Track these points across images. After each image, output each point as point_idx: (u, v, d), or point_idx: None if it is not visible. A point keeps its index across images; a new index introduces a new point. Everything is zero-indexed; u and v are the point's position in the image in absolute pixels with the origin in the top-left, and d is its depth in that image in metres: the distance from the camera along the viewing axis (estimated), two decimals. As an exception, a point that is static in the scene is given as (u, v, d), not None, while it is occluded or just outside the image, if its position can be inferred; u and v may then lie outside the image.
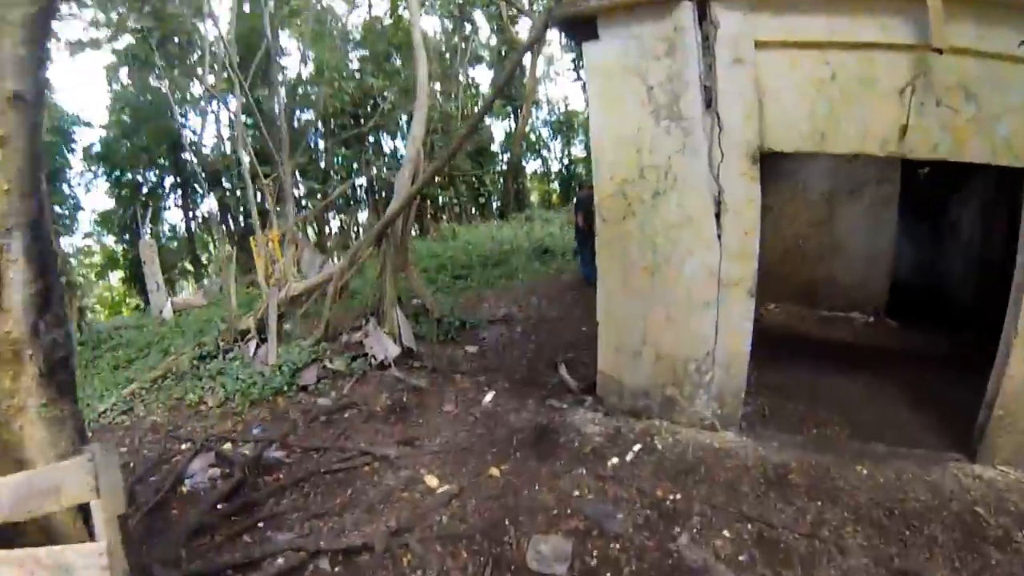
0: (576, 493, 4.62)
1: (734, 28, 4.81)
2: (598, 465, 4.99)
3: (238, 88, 14.50)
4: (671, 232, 5.28)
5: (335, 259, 16.12)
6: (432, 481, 5.04)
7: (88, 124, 24.02)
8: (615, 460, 5.05)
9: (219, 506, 4.95)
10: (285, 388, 7.46)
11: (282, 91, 23.04)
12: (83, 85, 52.18)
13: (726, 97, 4.92)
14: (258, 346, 8.93)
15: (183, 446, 6.41)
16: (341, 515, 4.68)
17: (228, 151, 24.13)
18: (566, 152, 33.96)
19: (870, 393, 6.26)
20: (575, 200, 12.87)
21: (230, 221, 26.70)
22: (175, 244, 28.62)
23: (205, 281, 23.90)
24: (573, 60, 26.58)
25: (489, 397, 6.75)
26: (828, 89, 4.73)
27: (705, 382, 5.40)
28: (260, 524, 4.65)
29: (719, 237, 5.09)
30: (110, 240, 27.98)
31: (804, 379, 6.51)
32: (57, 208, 23.45)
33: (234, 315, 9.95)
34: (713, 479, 4.71)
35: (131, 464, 6.17)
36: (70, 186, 24.89)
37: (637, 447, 5.21)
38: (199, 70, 20.05)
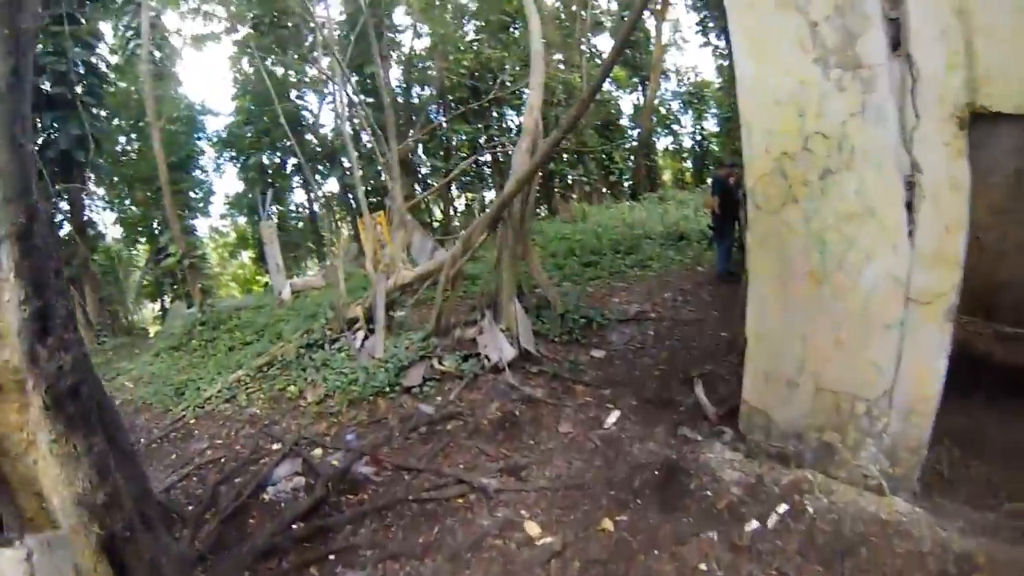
0: (703, 567, 3.67)
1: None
2: (733, 529, 3.92)
3: (345, 68, 14.03)
4: (846, 226, 3.95)
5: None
6: (533, 529, 4.29)
7: (214, 113, 25.44)
8: (754, 524, 3.93)
9: (295, 525, 4.62)
10: (387, 388, 6.89)
11: (395, 68, 22.96)
12: (208, 76, 55.70)
13: (922, 34, 3.57)
14: (366, 337, 8.46)
15: (275, 446, 6.22)
16: (422, 559, 4.13)
17: (348, 131, 24.17)
18: (698, 127, 32.27)
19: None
20: (711, 181, 11.39)
21: (351, 201, 26.75)
22: (300, 225, 29.70)
23: (327, 262, 24.23)
24: (699, 22, 24.46)
25: (613, 418, 5.72)
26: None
27: (876, 430, 4.05)
28: (332, 556, 4.27)
29: (910, 235, 3.74)
30: (242, 221, 29.77)
31: (992, 424, 4.80)
32: (192, 193, 25.20)
33: (343, 302, 9.52)
34: (878, 566, 3.48)
35: (222, 459, 6.24)
36: (203, 171, 26.85)
37: (783, 508, 4.03)
38: (313, 52, 20.16)
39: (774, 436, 4.55)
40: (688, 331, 7.94)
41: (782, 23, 3.97)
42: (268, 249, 17.28)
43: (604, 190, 26.86)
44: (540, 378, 6.63)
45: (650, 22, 27.76)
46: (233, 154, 26.83)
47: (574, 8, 25.67)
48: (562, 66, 24.12)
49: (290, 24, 22.22)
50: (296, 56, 23.54)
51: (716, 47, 25.29)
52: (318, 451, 5.93)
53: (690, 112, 31.89)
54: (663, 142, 33.10)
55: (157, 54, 21.34)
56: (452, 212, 28.76)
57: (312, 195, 28.98)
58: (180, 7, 21.49)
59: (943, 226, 3.66)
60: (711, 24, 23.89)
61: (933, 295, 3.74)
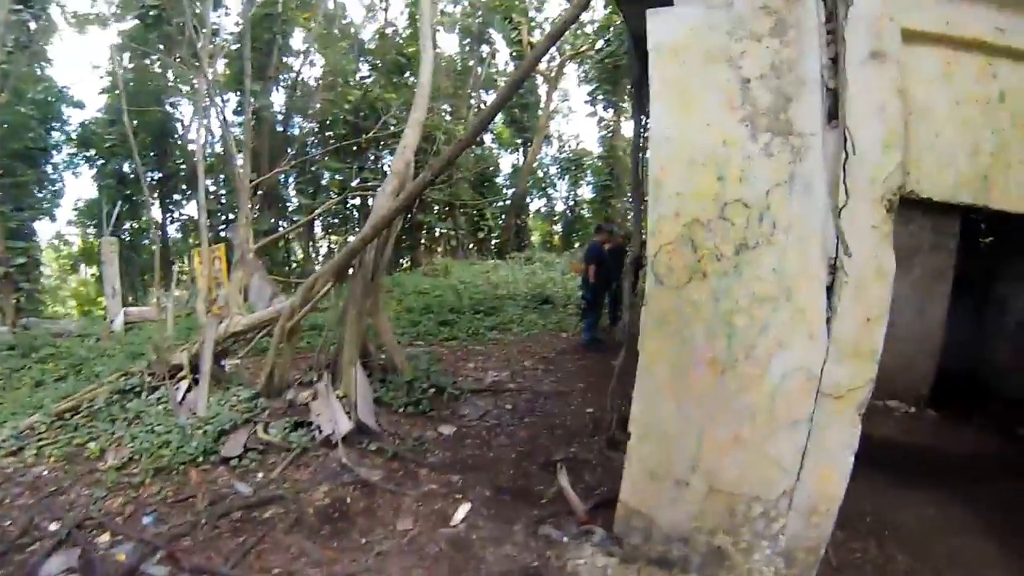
0: None
1: (875, 6, 3.30)
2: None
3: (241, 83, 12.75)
4: (758, 309, 3.54)
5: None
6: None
7: (79, 104, 22.44)
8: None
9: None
10: (201, 457, 5.72)
11: (280, 94, 21.84)
12: (84, 64, 50.40)
13: (859, 108, 3.32)
14: (189, 389, 7.21)
15: (52, 525, 4.84)
16: None
17: (221, 150, 22.36)
18: (572, 193, 32.80)
19: (940, 516, 4.87)
20: (588, 247, 10.94)
21: (208, 227, 24.68)
22: (155, 247, 26.78)
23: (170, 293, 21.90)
24: (590, 92, 25.11)
25: (462, 513, 4.90)
26: (996, 114, 3.43)
27: (772, 532, 3.66)
28: None
29: (828, 323, 3.42)
30: (92, 232, 26.37)
31: (860, 497, 4.52)
32: (37, 191, 21.80)
33: (167, 345, 8.17)
34: None
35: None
36: (56, 168, 23.31)
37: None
38: (202, 59, 18.75)
39: (656, 539, 3.99)
40: (550, 406, 7.34)
41: (710, 76, 3.56)
42: (106, 270, 15.21)
43: (471, 246, 26.49)
44: (379, 457, 5.73)
45: (543, 88, 28.80)
46: (89, 155, 23.57)
47: (471, 64, 25.75)
48: (449, 116, 23.84)
49: (180, 23, 20.41)
50: (179, 59, 21.53)
51: (602, 119, 26.03)
52: (105, 537, 4.70)
53: (566, 177, 32.48)
54: (536, 203, 33.60)
55: (32, 24, 18.77)
56: (315, 254, 27.22)
57: (170, 215, 26.45)
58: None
59: (864, 316, 3.36)
60: (600, 96, 24.55)
61: (846, 389, 3.42)
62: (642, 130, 7.28)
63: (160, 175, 24.41)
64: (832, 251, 3.38)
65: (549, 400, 7.47)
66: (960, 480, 5.36)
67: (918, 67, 3.41)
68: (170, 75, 23.04)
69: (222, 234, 21.05)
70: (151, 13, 19.78)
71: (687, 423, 3.75)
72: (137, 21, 20.79)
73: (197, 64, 13.66)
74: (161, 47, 20.31)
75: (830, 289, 3.41)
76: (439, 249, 26.39)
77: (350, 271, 6.62)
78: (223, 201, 24.00)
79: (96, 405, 7.18)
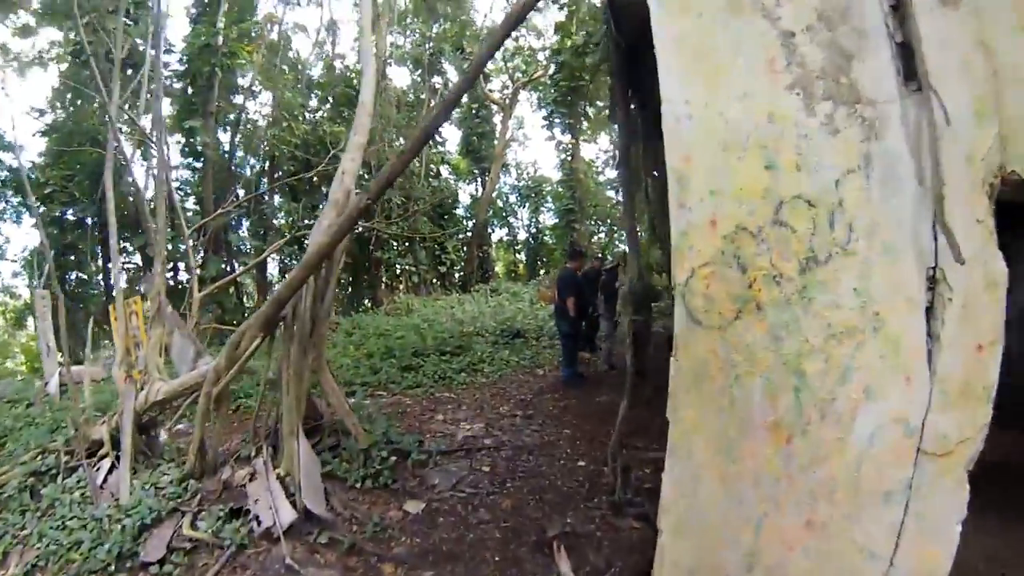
0: None
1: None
2: None
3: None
4: (837, 347, 2.59)
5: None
6: None
7: (14, 147, 20.85)
8: None
9: None
10: (114, 565, 4.57)
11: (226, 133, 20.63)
12: (23, 107, 48.65)
13: (936, 66, 2.50)
14: (111, 469, 6.11)
15: None
16: None
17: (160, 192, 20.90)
18: (534, 220, 31.97)
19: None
20: (562, 276, 9.87)
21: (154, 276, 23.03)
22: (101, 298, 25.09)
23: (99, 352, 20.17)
24: (546, 116, 24.41)
25: (439, 627, 3.80)
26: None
27: None
28: None
29: (929, 355, 2.51)
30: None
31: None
32: None
33: (85, 417, 6.99)
34: None
35: None
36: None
37: None
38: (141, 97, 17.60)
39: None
40: (535, 463, 6.25)
41: (739, 30, 2.66)
42: (40, 325, 13.62)
43: (434, 280, 25.38)
44: (332, 551, 4.61)
45: (496, 117, 28.47)
46: (28, 203, 21.85)
47: (423, 96, 25.00)
48: (397, 144, 22.94)
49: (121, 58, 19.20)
50: (120, 99, 20.24)
51: (560, 142, 25.34)
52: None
53: (527, 205, 31.79)
54: (498, 233, 32.82)
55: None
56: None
57: (111, 264, 24.65)
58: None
59: (974, 343, 2.47)
60: (556, 119, 23.84)
61: (955, 443, 2.53)
62: (634, 131, 6.04)
63: (100, 220, 22.81)
64: (929, 259, 2.44)
65: (533, 455, 6.39)
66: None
67: (997, 16, 2.56)
68: (106, 114, 21.69)
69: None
70: (82, 51, 18.52)
71: (740, 510, 2.77)
72: (72, 58, 19.64)
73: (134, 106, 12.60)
74: (104, 86, 19.11)
75: (928, 311, 2.48)
76: (401, 286, 25.18)
77: (284, 323, 5.45)
78: (169, 247, 22.51)
79: (6, 492, 6.12)
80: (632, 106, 5.08)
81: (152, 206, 18.96)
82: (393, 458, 5.71)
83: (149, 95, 14.95)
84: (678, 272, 2.71)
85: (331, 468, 5.51)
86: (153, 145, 15.52)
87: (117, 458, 6.17)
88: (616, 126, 4.99)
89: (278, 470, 5.14)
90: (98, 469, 6.23)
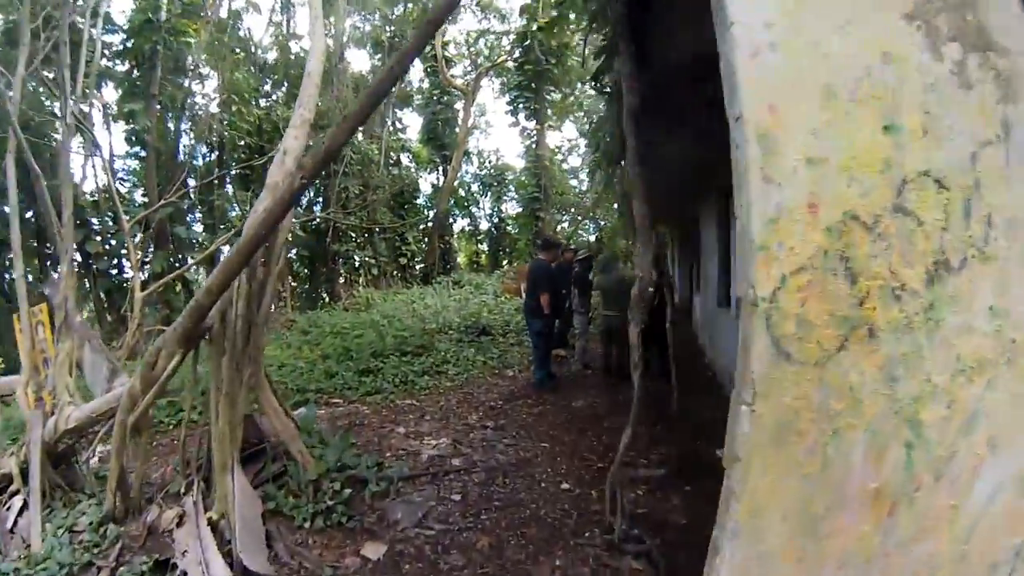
0: None
1: None
2: None
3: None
4: (965, 387, 1.87)
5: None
6: None
7: None
8: None
9: None
10: None
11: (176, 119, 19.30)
12: None
13: None
14: (21, 510, 5.13)
15: None
16: None
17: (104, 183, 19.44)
18: (496, 209, 31.26)
19: None
20: (534, 269, 8.99)
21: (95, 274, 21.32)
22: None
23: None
24: (510, 102, 23.55)
25: None
26: None
27: None
28: None
29: None
30: None
31: None
32: None
33: (-2, 448, 6.07)
34: None
35: None
36: None
37: None
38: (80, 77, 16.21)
39: None
40: (512, 486, 5.49)
41: None
42: None
43: (394, 273, 24.44)
44: (272, 612, 3.82)
45: (458, 104, 27.62)
46: None
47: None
48: (360, 135, 21.89)
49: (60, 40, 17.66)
50: (54, 78, 18.66)
51: (524, 128, 24.55)
52: None
53: (489, 194, 31.04)
54: (460, 223, 32.10)
55: None
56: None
57: (13, 268, 22.81)
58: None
59: None
60: (521, 104, 22.97)
61: None
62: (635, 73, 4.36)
63: (33, 215, 21.21)
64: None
65: (509, 478, 5.64)
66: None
67: None
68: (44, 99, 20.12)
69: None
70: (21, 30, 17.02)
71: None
72: (-1, 37, 17.90)
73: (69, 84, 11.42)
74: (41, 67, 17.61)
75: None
76: (360, 280, 24.16)
77: (207, 335, 4.55)
78: (111, 243, 21.00)
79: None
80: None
81: (84, 195, 17.73)
82: (348, 490, 4.88)
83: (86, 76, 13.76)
84: (760, 280, 1.84)
85: (276, 503, 4.69)
86: (89, 131, 14.40)
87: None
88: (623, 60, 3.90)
89: (210, 513, 4.31)
90: (8, 508, 5.28)
